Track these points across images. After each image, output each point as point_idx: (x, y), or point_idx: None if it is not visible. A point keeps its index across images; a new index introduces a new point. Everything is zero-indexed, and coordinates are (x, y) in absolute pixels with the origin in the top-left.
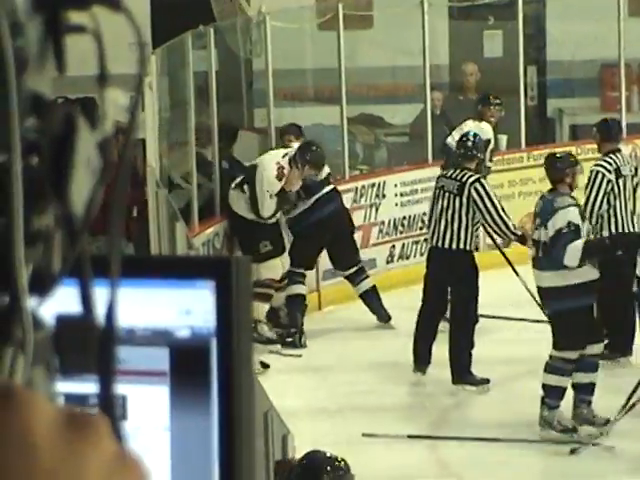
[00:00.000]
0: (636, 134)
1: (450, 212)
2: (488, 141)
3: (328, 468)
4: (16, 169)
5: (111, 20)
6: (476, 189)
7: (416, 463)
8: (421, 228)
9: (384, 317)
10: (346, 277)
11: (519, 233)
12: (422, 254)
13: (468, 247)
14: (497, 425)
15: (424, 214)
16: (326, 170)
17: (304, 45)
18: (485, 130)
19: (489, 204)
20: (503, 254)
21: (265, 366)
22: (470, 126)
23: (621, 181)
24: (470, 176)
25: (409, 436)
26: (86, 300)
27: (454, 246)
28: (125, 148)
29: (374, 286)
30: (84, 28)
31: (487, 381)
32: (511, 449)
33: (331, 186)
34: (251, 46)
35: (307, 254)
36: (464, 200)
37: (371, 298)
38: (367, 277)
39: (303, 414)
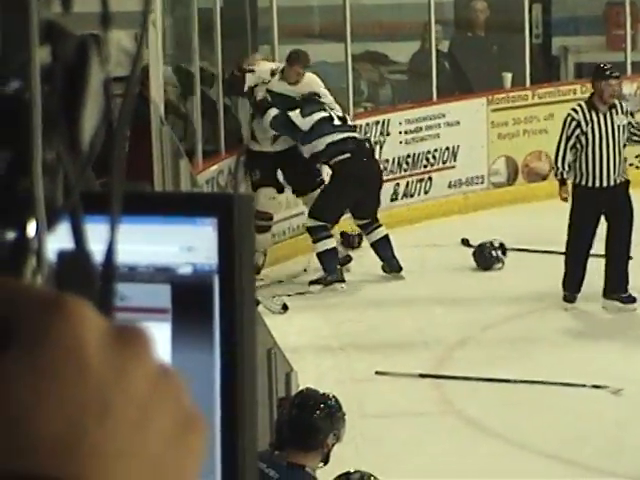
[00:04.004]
0: None
1: None
2: None
3: (321, 406)
4: (36, 97)
5: None
6: None
7: (419, 399)
8: (425, 166)
9: (395, 267)
10: (359, 225)
11: None
12: (426, 192)
13: None
14: (500, 364)
15: (428, 152)
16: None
17: None
18: None
19: None
20: None
21: (285, 308)
22: None
23: None
24: None
25: (420, 375)
26: (79, 236)
27: None
28: (129, 85)
29: (386, 235)
30: None
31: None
32: (512, 388)
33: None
34: None
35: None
36: None
37: (383, 247)
38: (380, 226)
39: (306, 352)
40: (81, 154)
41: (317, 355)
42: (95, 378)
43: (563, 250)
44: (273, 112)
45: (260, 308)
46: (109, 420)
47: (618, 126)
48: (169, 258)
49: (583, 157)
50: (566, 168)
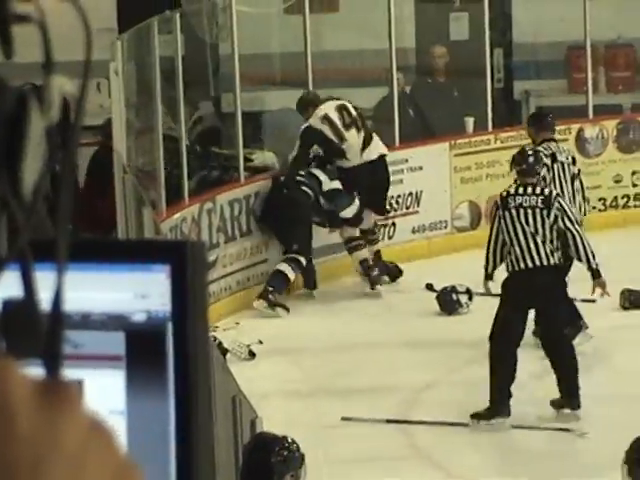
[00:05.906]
0: (603, 115)
1: None
2: None
3: (277, 448)
4: None
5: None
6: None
7: (387, 445)
8: (388, 211)
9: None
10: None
11: None
12: (390, 237)
13: None
14: (466, 407)
15: (391, 197)
16: None
17: (270, 29)
18: None
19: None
20: None
21: (252, 354)
22: None
23: (556, 166)
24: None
25: (387, 420)
26: (27, 284)
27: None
28: (73, 132)
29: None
30: (28, 18)
31: None
32: (480, 432)
33: None
34: (217, 31)
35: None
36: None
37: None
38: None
39: (274, 398)
40: (24, 202)
41: (284, 401)
42: (25, 435)
43: None
44: None
45: (228, 356)
46: (41, 476)
47: None
48: (123, 305)
49: None
50: None
